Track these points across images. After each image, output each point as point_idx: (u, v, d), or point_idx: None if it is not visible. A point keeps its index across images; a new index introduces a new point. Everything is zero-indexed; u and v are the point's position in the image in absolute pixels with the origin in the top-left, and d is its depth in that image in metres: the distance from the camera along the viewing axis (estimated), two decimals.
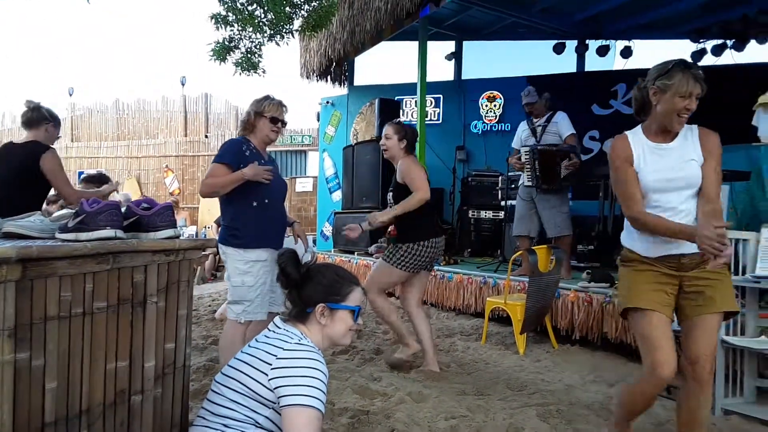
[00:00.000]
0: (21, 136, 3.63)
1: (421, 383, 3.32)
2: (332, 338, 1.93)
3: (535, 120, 5.17)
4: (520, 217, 5.08)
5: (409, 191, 3.50)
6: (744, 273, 2.94)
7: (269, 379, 1.71)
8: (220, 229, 3.12)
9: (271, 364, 1.73)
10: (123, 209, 1.71)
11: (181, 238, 1.84)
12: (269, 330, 1.91)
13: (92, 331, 1.45)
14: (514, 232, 5.17)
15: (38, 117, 3.53)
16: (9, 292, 1.24)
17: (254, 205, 2.97)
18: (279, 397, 1.68)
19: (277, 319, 1.94)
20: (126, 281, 1.56)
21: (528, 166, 4.91)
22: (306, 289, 1.92)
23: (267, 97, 3.10)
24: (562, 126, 4.97)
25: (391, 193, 3.69)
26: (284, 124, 3.13)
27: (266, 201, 3.00)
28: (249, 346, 1.87)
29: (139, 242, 1.60)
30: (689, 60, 2.23)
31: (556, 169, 4.75)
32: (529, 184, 4.95)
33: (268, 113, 3.05)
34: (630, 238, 2.21)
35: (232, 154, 2.96)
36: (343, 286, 1.95)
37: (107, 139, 14.06)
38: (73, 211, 1.69)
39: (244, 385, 1.74)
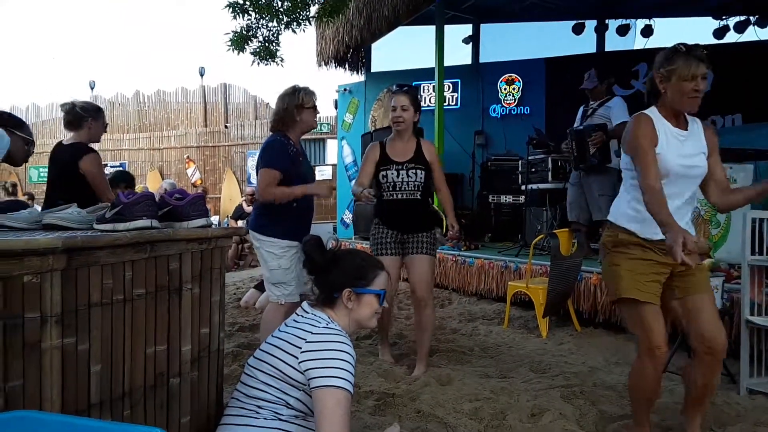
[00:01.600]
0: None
1: (445, 367, 3.37)
2: (359, 321, 1.98)
3: (591, 103, 5.15)
4: (570, 204, 5.17)
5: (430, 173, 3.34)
6: (767, 253, 2.93)
7: (299, 362, 1.76)
8: (251, 216, 3.18)
9: (300, 348, 1.78)
10: (158, 199, 1.77)
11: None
12: (297, 314, 1.97)
13: (132, 317, 1.52)
14: (568, 217, 5.25)
15: (76, 117, 3.48)
16: (56, 280, 1.30)
17: (307, 197, 3.12)
18: (309, 379, 1.73)
19: (304, 304, 2.00)
20: (162, 269, 1.62)
21: (570, 150, 4.99)
22: (332, 275, 1.97)
23: (298, 89, 3.11)
24: (615, 112, 4.87)
25: (416, 171, 3.27)
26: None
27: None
28: (279, 330, 1.93)
29: (174, 231, 1.66)
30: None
31: (587, 148, 4.78)
32: (573, 167, 5.07)
33: (308, 104, 3.09)
34: (628, 218, 2.20)
35: (282, 159, 3.01)
36: (369, 270, 1.99)
37: (129, 131, 14.26)
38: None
39: (275, 368, 1.80)
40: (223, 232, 1.87)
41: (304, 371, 1.75)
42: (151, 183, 12.82)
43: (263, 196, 3.00)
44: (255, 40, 5.04)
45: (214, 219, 10.56)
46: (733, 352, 3.21)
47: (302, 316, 1.93)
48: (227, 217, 11.21)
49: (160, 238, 1.58)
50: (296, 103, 3.06)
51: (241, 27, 4.98)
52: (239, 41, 4.97)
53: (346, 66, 9.12)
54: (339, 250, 2.07)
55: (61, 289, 1.31)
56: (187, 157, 13.35)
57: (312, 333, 1.82)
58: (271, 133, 3.17)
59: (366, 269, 2.00)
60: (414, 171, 3.27)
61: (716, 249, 3.93)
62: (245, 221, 9.12)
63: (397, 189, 3.29)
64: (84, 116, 3.51)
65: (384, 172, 3.31)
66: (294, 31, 5.01)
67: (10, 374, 1.24)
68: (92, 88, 14.66)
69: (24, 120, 2.78)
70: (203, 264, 1.79)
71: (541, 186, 6.11)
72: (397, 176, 3.28)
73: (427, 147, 3.37)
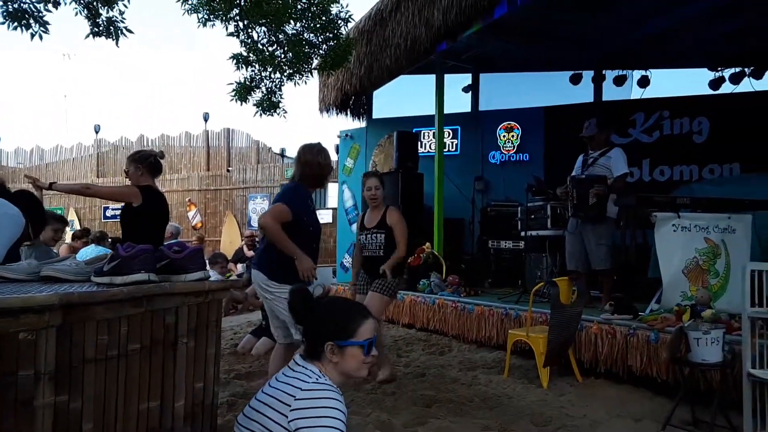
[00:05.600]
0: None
1: (444, 418, 3.30)
2: (346, 373, 1.92)
3: (590, 152, 5.22)
4: (569, 252, 5.16)
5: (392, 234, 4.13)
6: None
7: (289, 421, 1.72)
8: (259, 261, 3.23)
9: (290, 406, 1.74)
10: (163, 245, 1.78)
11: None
12: (289, 368, 1.94)
13: (126, 373, 1.51)
14: (567, 266, 5.23)
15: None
16: (51, 337, 1.30)
17: (314, 247, 3.34)
18: None
19: (296, 356, 1.96)
20: (158, 323, 1.62)
21: (570, 196, 4.98)
22: (315, 327, 1.93)
23: (324, 149, 3.44)
24: (615, 162, 4.97)
25: (377, 235, 4.17)
26: None
27: (315, 245, 3.37)
28: (269, 385, 1.88)
29: (172, 285, 1.66)
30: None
31: (587, 198, 4.81)
32: (570, 214, 5.04)
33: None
34: None
35: (301, 206, 3.29)
36: (350, 322, 1.92)
37: None
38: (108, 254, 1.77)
39: (266, 428, 1.75)
40: (221, 285, 1.87)
41: (294, 430, 1.72)
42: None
43: (265, 223, 3.19)
44: (258, 90, 5.15)
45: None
46: (735, 405, 3.16)
47: (293, 370, 1.89)
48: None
49: (157, 292, 1.59)
50: (325, 162, 3.42)
51: (245, 78, 5.10)
52: (242, 92, 5.08)
53: (348, 112, 9.28)
54: (323, 300, 2.02)
55: (55, 346, 1.31)
56: (189, 200, 13.43)
57: (301, 390, 1.78)
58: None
59: (347, 321, 1.93)
60: (376, 235, 4.19)
61: (716, 299, 3.91)
62: (245, 264, 9.09)
63: (367, 248, 4.25)
64: None
65: (362, 236, 4.29)
66: (296, 83, 5.12)
67: None
68: (97, 132, 14.87)
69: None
70: (199, 317, 1.79)
71: (541, 233, 6.12)
72: (365, 239, 4.24)
73: (390, 214, 4.21)
